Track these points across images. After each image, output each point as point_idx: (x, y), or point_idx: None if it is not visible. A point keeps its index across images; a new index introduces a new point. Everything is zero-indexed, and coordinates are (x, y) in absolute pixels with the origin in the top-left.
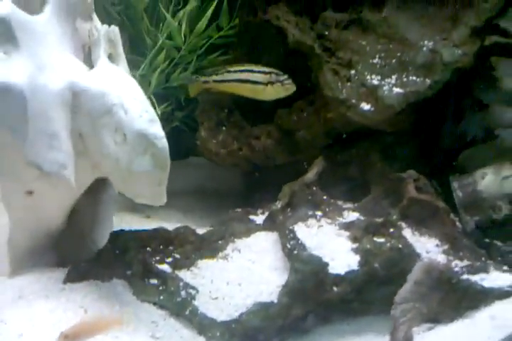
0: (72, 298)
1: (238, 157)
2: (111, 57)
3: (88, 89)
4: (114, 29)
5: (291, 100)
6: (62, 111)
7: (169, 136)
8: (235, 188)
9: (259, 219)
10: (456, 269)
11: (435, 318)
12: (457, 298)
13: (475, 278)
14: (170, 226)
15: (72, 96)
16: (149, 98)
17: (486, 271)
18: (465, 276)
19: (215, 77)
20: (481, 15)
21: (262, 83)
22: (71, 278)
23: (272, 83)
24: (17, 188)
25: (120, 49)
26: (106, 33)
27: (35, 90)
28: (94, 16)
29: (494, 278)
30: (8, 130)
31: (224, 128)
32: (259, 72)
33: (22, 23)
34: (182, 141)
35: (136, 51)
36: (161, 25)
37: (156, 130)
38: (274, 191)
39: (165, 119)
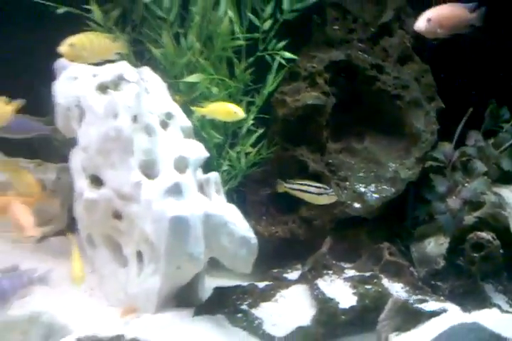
0: (197, 324)
1: (276, 237)
2: (217, 191)
3: (213, 214)
4: (217, 175)
5: None
6: (201, 226)
7: None
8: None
9: (290, 276)
10: (411, 301)
11: (400, 329)
12: (411, 317)
13: (421, 305)
14: (232, 282)
15: (205, 218)
16: None
17: (426, 301)
18: (415, 305)
19: (289, 185)
20: (421, 151)
21: (316, 193)
22: (196, 314)
23: (321, 194)
24: (174, 268)
25: (221, 186)
26: (215, 178)
27: (192, 218)
28: None
29: (431, 306)
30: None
31: (264, 217)
32: (313, 186)
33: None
34: None
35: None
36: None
37: (251, 234)
38: (298, 257)
39: None
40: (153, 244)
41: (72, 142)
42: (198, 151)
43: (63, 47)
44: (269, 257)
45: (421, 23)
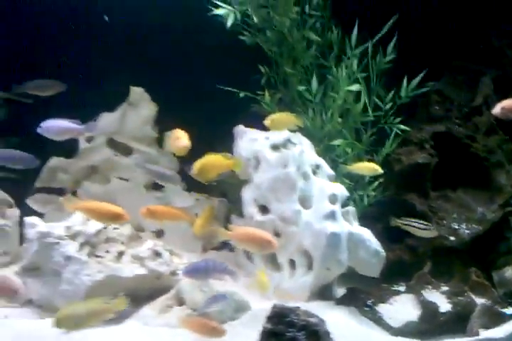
0: (338, 311)
1: (386, 260)
2: (354, 219)
3: (355, 233)
4: (354, 209)
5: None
6: (346, 241)
7: None
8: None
9: (399, 288)
10: (495, 307)
11: (487, 326)
12: (495, 318)
13: (503, 310)
14: None
15: (349, 235)
16: None
17: (507, 308)
18: (498, 309)
19: (401, 221)
20: (503, 199)
21: (422, 229)
22: (337, 303)
23: (426, 229)
24: (325, 269)
25: (356, 216)
26: (352, 210)
27: (342, 235)
28: None
29: (510, 311)
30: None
31: None
32: (420, 223)
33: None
34: None
35: None
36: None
37: (381, 249)
38: (403, 277)
39: None
40: (309, 252)
41: (240, 183)
42: (343, 191)
43: (267, 121)
44: (381, 275)
45: (497, 110)
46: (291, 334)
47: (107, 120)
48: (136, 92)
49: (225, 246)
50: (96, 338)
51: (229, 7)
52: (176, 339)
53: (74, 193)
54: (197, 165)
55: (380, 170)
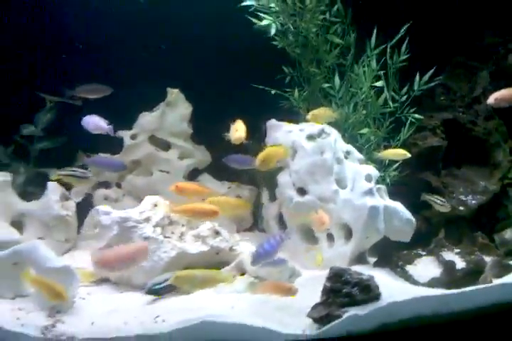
0: (377, 272)
1: None
2: (385, 195)
3: (389, 206)
4: (384, 186)
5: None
6: (382, 214)
7: None
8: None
9: (421, 252)
10: (504, 260)
11: (498, 276)
12: (504, 269)
13: (509, 262)
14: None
15: (385, 208)
16: None
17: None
18: (506, 262)
19: (428, 197)
20: (501, 173)
21: (439, 204)
22: (374, 266)
23: (442, 205)
24: (364, 238)
25: (386, 192)
26: (383, 187)
27: (380, 207)
28: None
29: None
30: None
31: None
32: (439, 199)
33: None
34: None
35: None
36: None
37: (412, 218)
38: (419, 244)
39: None
40: (348, 225)
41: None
42: (375, 171)
43: (309, 116)
44: (400, 244)
45: (491, 100)
46: (347, 290)
47: (146, 119)
48: (173, 93)
49: (254, 227)
50: (178, 307)
51: (270, 18)
52: (242, 302)
53: (119, 186)
54: (260, 157)
55: (409, 155)
